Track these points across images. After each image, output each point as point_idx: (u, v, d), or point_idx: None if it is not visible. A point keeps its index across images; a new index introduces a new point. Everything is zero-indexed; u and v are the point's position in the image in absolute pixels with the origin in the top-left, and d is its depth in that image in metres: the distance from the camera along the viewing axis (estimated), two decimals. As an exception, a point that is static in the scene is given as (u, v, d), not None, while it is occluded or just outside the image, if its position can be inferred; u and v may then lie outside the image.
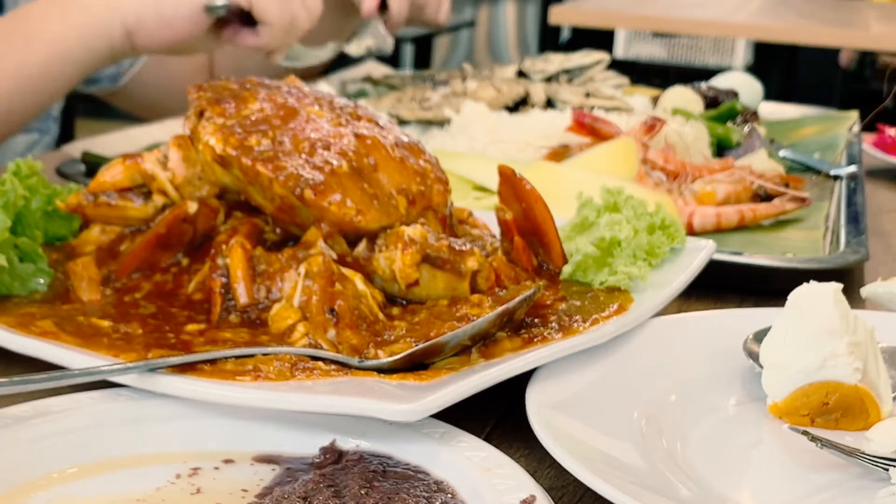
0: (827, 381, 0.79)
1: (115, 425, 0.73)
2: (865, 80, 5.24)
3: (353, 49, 1.77)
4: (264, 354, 0.77)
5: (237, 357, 0.77)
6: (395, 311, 0.87)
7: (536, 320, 0.84)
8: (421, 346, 0.77)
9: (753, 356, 0.84)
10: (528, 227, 0.96)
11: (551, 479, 0.73)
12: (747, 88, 1.95)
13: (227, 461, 0.72)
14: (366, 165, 0.91)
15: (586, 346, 0.81)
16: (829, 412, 0.79)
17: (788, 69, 5.10)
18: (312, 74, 1.93)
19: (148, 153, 0.98)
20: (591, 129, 1.45)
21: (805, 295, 0.81)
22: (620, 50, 5.08)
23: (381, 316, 0.85)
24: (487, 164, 1.28)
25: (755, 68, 4.82)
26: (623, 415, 0.77)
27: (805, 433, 0.73)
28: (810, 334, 0.79)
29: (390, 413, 0.69)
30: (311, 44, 1.68)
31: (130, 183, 0.98)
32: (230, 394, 0.72)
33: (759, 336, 0.84)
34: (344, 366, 0.77)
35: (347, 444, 0.72)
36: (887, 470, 0.70)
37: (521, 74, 1.83)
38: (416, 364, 0.76)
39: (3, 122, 1.41)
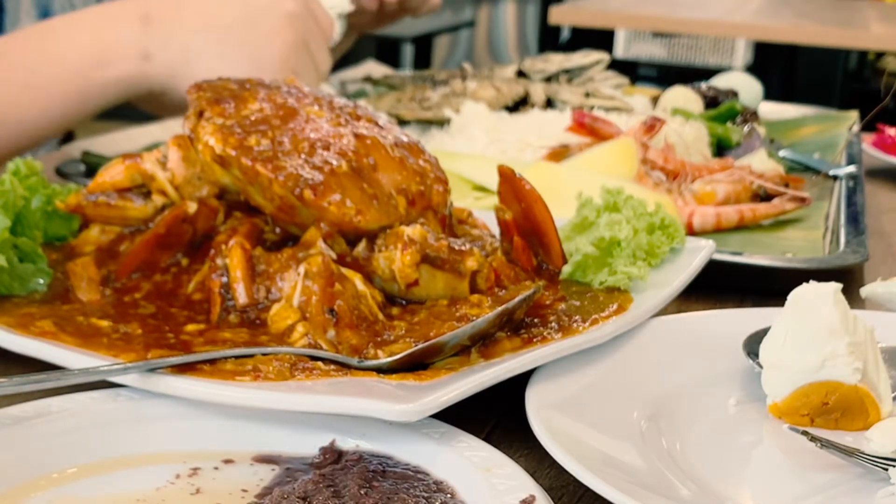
0: (827, 381, 0.79)
1: (115, 425, 0.73)
2: (865, 80, 5.23)
3: None
4: (264, 354, 0.77)
5: (237, 357, 0.76)
6: (395, 311, 0.87)
7: (536, 320, 0.84)
8: (421, 346, 0.77)
9: (753, 356, 0.84)
10: (527, 227, 0.96)
11: (551, 479, 0.73)
12: (747, 88, 1.95)
13: (227, 461, 0.72)
14: (365, 165, 0.91)
15: (586, 345, 0.81)
16: (829, 412, 0.79)
17: (788, 69, 5.09)
18: None
19: (148, 153, 0.98)
20: (591, 129, 1.45)
21: (805, 295, 0.80)
22: (620, 50, 5.07)
23: (380, 316, 0.85)
24: (487, 164, 1.28)
25: (755, 68, 4.81)
26: (623, 415, 0.77)
27: (805, 433, 0.73)
28: (810, 334, 0.79)
29: (390, 413, 0.69)
30: None
31: (130, 183, 0.98)
32: (230, 394, 0.72)
33: (759, 336, 0.84)
34: (344, 366, 0.77)
35: (347, 444, 0.72)
36: (887, 470, 0.70)
37: (521, 74, 1.82)
38: (415, 364, 0.76)
39: (12, 149, 1.42)
